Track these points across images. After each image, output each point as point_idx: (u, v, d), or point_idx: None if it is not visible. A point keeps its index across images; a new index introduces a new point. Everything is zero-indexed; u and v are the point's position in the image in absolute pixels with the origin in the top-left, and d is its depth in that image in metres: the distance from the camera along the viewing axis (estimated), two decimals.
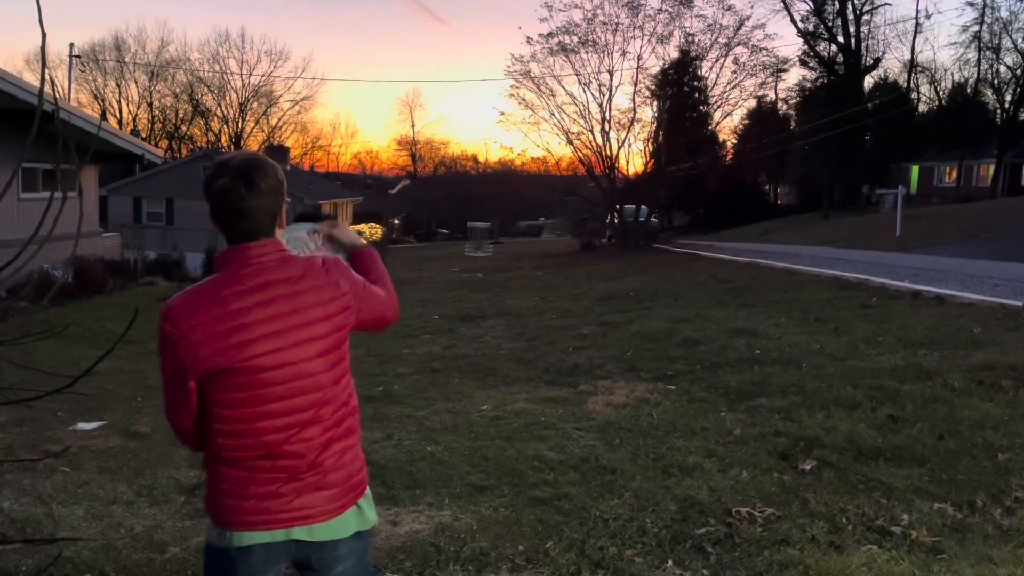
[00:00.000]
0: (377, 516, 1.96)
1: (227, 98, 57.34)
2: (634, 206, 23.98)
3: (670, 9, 22.66)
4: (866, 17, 41.72)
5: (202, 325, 1.65)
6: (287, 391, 1.70)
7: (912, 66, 44.23)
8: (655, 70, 24.61)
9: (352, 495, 1.80)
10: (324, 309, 1.74)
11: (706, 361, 6.78)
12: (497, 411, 5.68)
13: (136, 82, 55.47)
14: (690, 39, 23.59)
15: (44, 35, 2.25)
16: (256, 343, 1.67)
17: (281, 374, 1.70)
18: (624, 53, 23.27)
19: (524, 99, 23.62)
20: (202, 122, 57.58)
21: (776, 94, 43.12)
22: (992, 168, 40.58)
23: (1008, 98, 41.93)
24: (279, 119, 59.28)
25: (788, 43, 60.68)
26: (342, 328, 1.78)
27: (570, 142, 24.06)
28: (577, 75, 22.94)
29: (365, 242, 2.14)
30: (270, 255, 1.72)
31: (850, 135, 36.95)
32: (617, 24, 22.51)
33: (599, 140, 23.54)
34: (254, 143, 57.03)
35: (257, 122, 58.46)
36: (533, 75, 23.22)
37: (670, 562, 3.11)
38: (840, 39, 41.11)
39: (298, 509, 1.73)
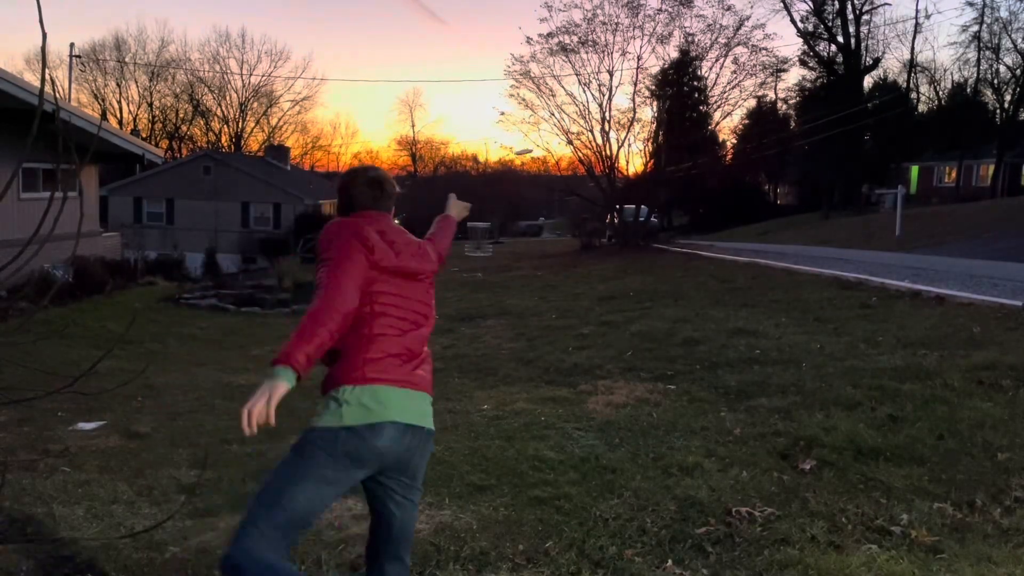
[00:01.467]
0: None
1: (227, 98, 57.41)
2: (634, 206, 23.96)
3: (670, 9, 22.65)
4: (866, 17, 41.81)
5: (373, 234, 2.32)
6: (415, 296, 2.40)
7: (912, 66, 44.30)
8: (655, 70, 24.61)
9: (431, 386, 2.42)
10: (430, 263, 2.52)
11: (706, 361, 6.79)
12: (497, 411, 5.68)
13: (136, 82, 55.54)
14: (690, 39, 23.58)
15: (44, 35, 2.25)
16: (404, 258, 2.38)
17: (415, 284, 2.42)
18: (624, 53, 23.25)
19: (524, 99, 23.61)
20: (202, 122, 57.63)
21: (776, 94, 43.21)
22: (992, 168, 40.59)
23: (1008, 98, 42.00)
24: (279, 119, 59.34)
25: (788, 43, 60.70)
26: (432, 271, 2.55)
27: (570, 142, 24.04)
28: (577, 75, 22.93)
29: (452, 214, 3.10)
30: (395, 222, 2.52)
31: (850, 135, 36.97)
32: (617, 24, 22.49)
33: (599, 140, 23.54)
34: (254, 143, 57.13)
35: (257, 122, 58.53)
36: (533, 75, 23.21)
37: (670, 562, 3.11)
38: (840, 39, 41.15)
39: (420, 377, 2.35)
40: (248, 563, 2.04)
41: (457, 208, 3.14)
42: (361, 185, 2.49)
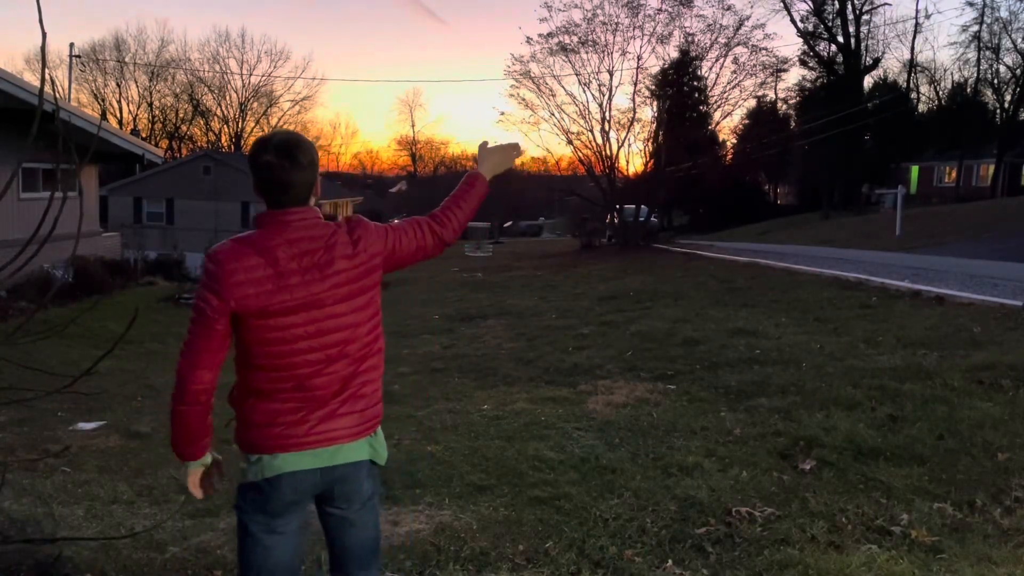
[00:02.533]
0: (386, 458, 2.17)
1: (227, 98, 57.44)
2: (634, 206, 23.97)
3: (670, 9, 22.66)
4: (866, 17, 41.78)
5: (242, 270, 1.89)
6: (316, 330, 1.95)
7: (912, 66, 44.29)
8: (655, 70, 24.62)
9: (369, 424, 2.06)
10: (349, 263, 1.98)
11: (706, 361, 6.78)
12: (497, 411, 5.68)
13: (136, 82, 55.52)
14: (690, 39, 23.59)
15: (44, 35, 2.25)
16: (287, 290, 1.91)
17: (307, 317, 1.94)
18: (624, 53, 23.25)
19: (524, 99, 23.62)
20: (202, 122, 57.65)
21: (776, 94, 43.19)
22: (992, 168, 40.58)
23: (1008, 98, 41.98)
24: (279, 119, 59.29)
25: (788, 43, 60.65)
26: (367, 277, 2.02)
27: (570, 142, 24.06)
28: (577, 75, 22.94)
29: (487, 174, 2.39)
30: (308, 219, 1.97)
31: (850, 135, 36.96)
32: (617, 24, 22.50)
33: (599, 140, 23.55)
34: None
35: (257, 122, 58.50)
36: (533, 75, 23.22)
37: (670, 562, 3.11)
38: (840, 39, 41.13)
39: (323, 432, 1.98)
40: None
41: (492, 161, 2.41)
42: (256, 172, 1.96)
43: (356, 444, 2.03)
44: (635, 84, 23.30)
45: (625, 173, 25.30)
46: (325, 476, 2.01)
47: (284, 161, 1.93)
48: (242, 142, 56.39)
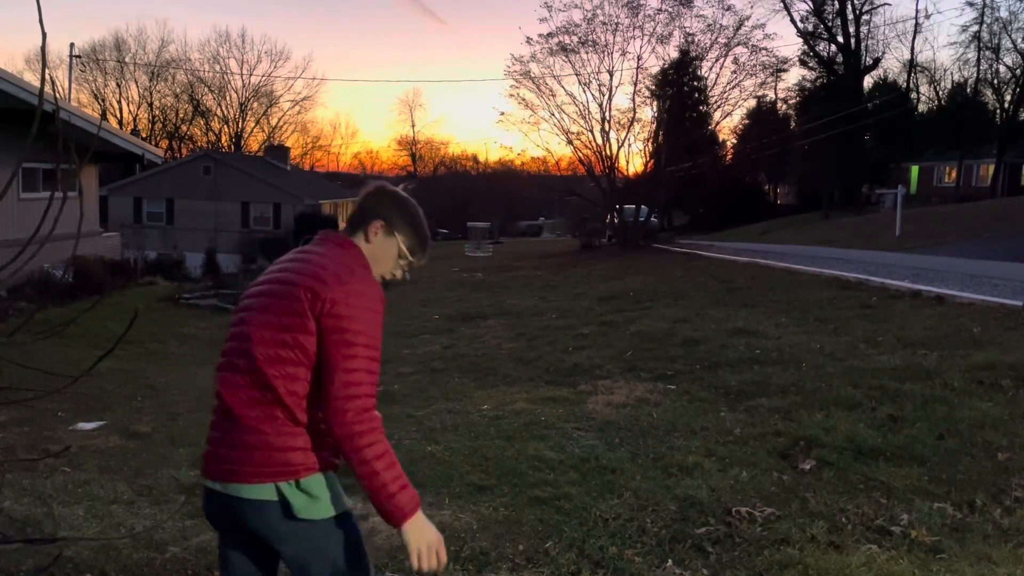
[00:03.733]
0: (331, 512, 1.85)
1: (227, 98, 57.40)
2: (634, 206, 23.97)
3: (670, 9, 22.66)
4: (866, 17, 41.80)
5: None
6: (237, 332, 1.87)
7: (912, 66, 44.30)
8: (655, 70, 24.61)
9: (273, 471, 1.77)
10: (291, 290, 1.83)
11: (706, 361, 6.78)
12: (497, 411, 5.68)
13: (136, 82, 55.53)
14: (690, 39, 23.59)
15: (44, 35, 2.25)
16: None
17: (239, 316, 1.89)
18: (624, 53, 23.25)
19: (524, 99, 23.62)
20: (202, 122, 57.62)
21: (776, 94, 43.21)
22: (992, 168, 40.59)
23: (1008, 98, 41.98)
24: (279, 119, 59.33)
25: (788, 43, 60.69)
26: (292, 316, 1.80)
27: (570, 142, 24.06)
28: (577, 75, 22.94)
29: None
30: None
31: (850, 135, 36.96)
32: (617, 24, 22.50)
33: (599, 140, 23.55)
34: (254, 143, 57.09)
35: (257, 122, 58.52)
36: (533, 75, 23.22)
37: (670, 562, 3.11)
38: (840, 39, 41.14)
39: (216, 460, 1.82)
40: None
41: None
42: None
43: (252, 487, 1.77)
44: (635, 84, 23.32)
45: (625, 173, 25.32)
46: (236, 505, 1.80)
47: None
48: (242, 142, 56.41)
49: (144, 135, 50.74)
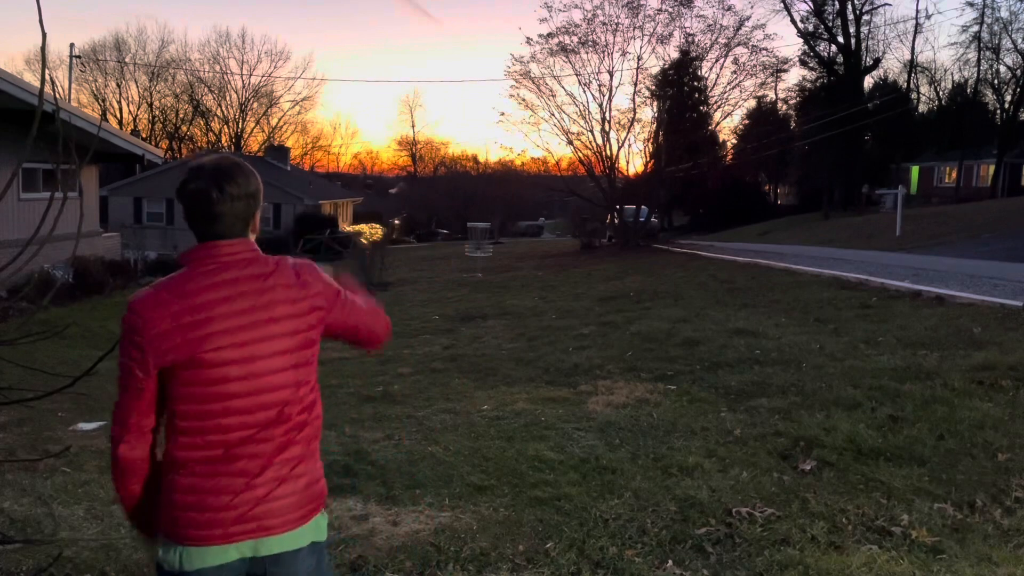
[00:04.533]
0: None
1: (227, 98, 57.44)
2: (634, 206, 23.98)
3: (670, 9, 22.68)
4: (866, 17, 41.80)
5: (165, 317, 1.63)
6: (250, 388, 1.66)
7: (912, 66, 44.31)
8: (655, 70, 24.65)
9: (312, 505, 1.74)
10: (292, 308, 1.71)
11: (706, 361, 6.78)
12: (497, 411, 5.68)
13: (136, 82, 55.56)
14: (690, 39, 23.61)
15: (44, 35, 2.25)
16: (218, 336, 1.64)
17: (243, 370, 1.66)
18: (624, 53, 23.28)
19: (524, 99, 23.66)
20: (202, 122, 57.66)
21: (776, 94, 43.22)
22: (992, 168, 40.60)
23: (1008, 98, 41.99)
24: (279, 119, 59.37)
25: (788, 43, 60.78)
26: (310, 329, 1.74)
27: (570, 142, 24.08)
28: (577, 75, 22.96)
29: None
30: (240, 253, 1.71)
31: (850, 135, 36.97)
32: (617, 24, 22.53)
33: (599, 140, 23.57)
34: (255, 143, 57.12)
35: (257, 122, 58.55)
36: (533, 75, 23.26)
37: (670, 562, 3.11)
38: (840, 39, 41.13)
39: (255, 519, 1.66)
40: None
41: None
42: (183, 200, 1.72)
43: (295, 532, 1.70)
44: (635, 84, 23.34)
45: (625, 173, 25.34)
46: (256, 564, 1.69)
47: (213, 190, 1.67)
48: (242, 142, 56.41)
49: (144, 135, 50.78)
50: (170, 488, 1.67)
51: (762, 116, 40.55)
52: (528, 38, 23.58)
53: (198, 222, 1.70)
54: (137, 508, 1.76)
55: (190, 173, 1.71)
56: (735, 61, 23.34)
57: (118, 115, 54.19)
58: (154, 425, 1.70)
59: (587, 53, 22.64)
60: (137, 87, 55.63)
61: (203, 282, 1.66)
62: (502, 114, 25.35)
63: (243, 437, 1.66)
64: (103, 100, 54.38)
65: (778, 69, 27.51)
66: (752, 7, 45.63)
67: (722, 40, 23.09)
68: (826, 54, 41.99)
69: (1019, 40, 41.23)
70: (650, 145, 24.46)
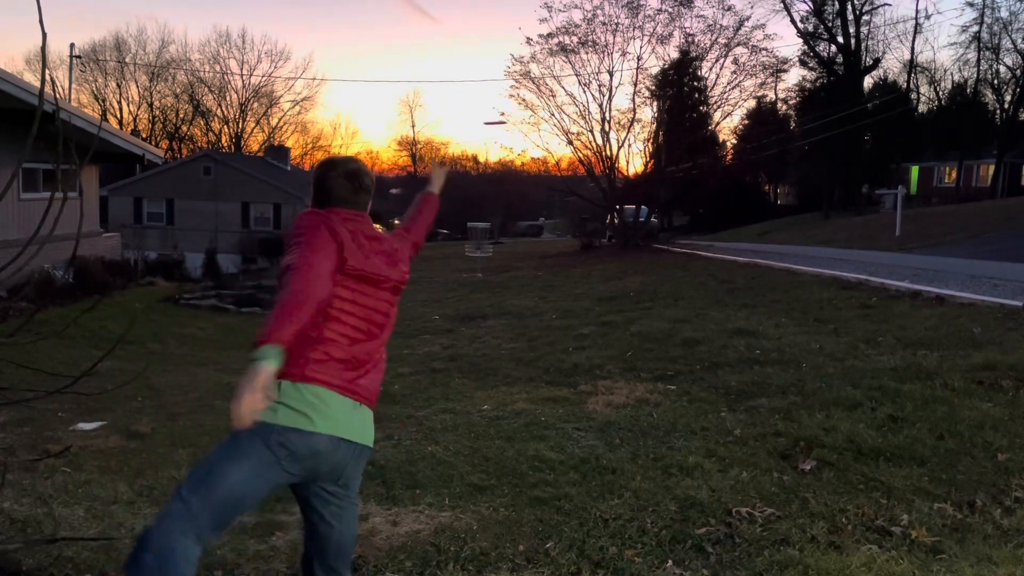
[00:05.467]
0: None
1: (227, 98, 57.41)
2: (634, 206, 23.99)
3: (670, 9, 22.70)
4: (866, 18, 41.81)
5: (341, 222, 2.23)
6: (376, 304, 2.27)
7: (912, 66, 44.28)
8: (655, 70, 24.65)
9: (375, 397, 2.31)
10: (405, 267, 2.43)
11: (706, 361, 6.79)
12: (497, 411, 5.68)
13: (136, 82, 55.55)
14: (690, 39, 23.62)
15: (44, 35, 2.25)
16: (367, 263, 2.25)
17: (380, 290, 2.29)
18: (624, 53, 23.32)
19: (524, 99, 23.67)
20: (202, 122, 57.64)
21: (776, 94, 43.20)
22: (992, 168, 40.61)
23: (1008, 98, 41.99)
24: (280, 119, 59.33)
25: (788, 43, 60.83)
26: (401, 281, 2.39)
27: (570, 142, 24.09)
28: (577, 75, 22.97)
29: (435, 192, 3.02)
30: (372, 223, 2.38)
31: (850, 135, 36.98)
32: (617, 24, 22.54)
33: (599, 140, 23.58)
34: (254, 143, 57.10)
35: (257, 122, 58.52)
36: (533, 76, 23.27)
37: (670, 562, 3.11)
38: (840, 39, 41.14)
39: (363, 387, 2.21)
40: (158, 542, 1.98)
41: (439, 181, 3.05)
42: (338, 177, 2.34)
43: (369, 422, 2.26)
44: (635, 84, 23.36)
45: (625, 173, 25.36)
46: (346, 452, 2.18)
47: (355, 184, 2.35)
48: (242, 142, 56.41)
49: (144, 135, 50.78)
50: (311, 350, 2.13)
51: (762, 116, 40.55)
52: (528, 38, 23.65)
53: (348, 194, 2.35)
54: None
55: (335, 165, 2.39)
56: (735, 61, 23.38)
57: (118, 115, 54.23)
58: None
59: (587, 53, 22.67)
60: (137, 87, 55.68)
61: (353, 224, 2.29)
62: (502, 114, 25.38)
63: (361, 336, 2.24)
64: (103, 100, 54.42)
65: (778, 69, 27.51)
66: (752, 7, 45.52)
67: (722, 40, 23.13)
68: (826, 54, 42.00)
69: (1019, 40, 41.27)
70: (650, 145, 24.50)
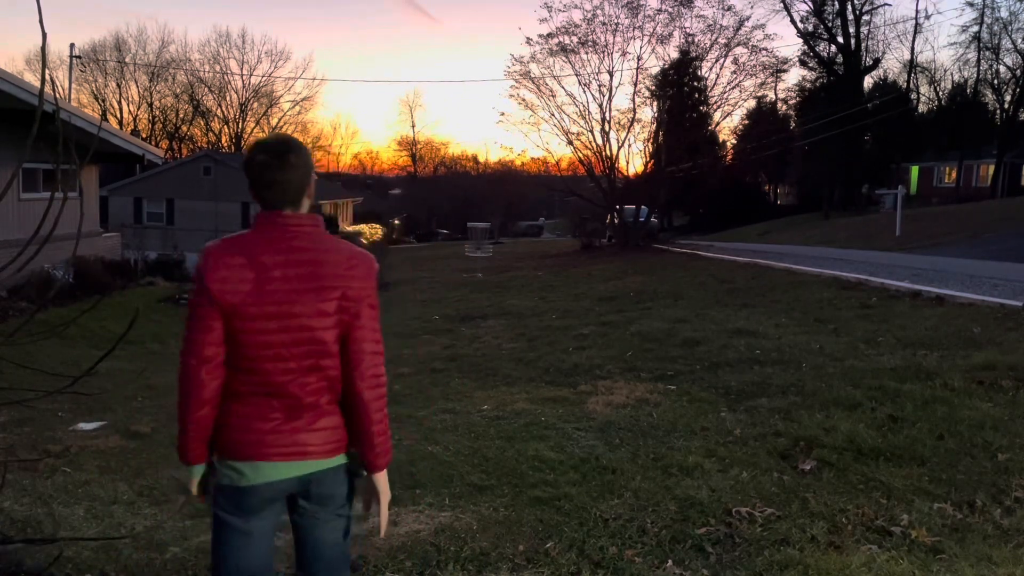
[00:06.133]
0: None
1: (227, 98, 57.44)
2: (634, 206, 23.97)
3: (670, 9, 22.67)
4: (866, 17, 41.84)
5: (228, 267, 1.91)
6: (293, 340, 1.93)
7: (912, 66, 44.30)
8: (655, 70, 24.65)
9: (339, 446, 2.02)
10: (339, 282, 1.96)
11: (706, 361, 6.78)
12: (497, 411, 5.68)
13: (136, 82, 55.56)
14: (690, 39, 23.60)
15: (44, 35, 2.25)
16: (274, 294, 1.91)
17: (290, 324, 1.92)
18: (624, 53, 23.29)
19: (524, 100, 23.64)
20: (202, 122, 57.66)
21: (776, 94, 43.27)
22: (992, 168, 40.59)
23: (1008, 98, 41.99)
24: (279, 119, 59.29)
25: (788, 43, 60.81)
26: (344, 311, 1.97)
27: (570, 142, 24.08)
28: (577, 75, 22.95)
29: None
30: (303, 227, 1.97)
31: (850, 135, 37.00)
32: (617, 24, 22.52)
33: (599, 140, 23.56)
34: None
35: (257, 122, 58.49)
36: (533, 76, 23.24)
37: (670, 562, 3.11)
38: (840, 39, 41.16)
39: (297, 445, 1.96)
40: None
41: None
42: (248, 171, 1.98)
43: (331, 460, 2.02)
44: (635, 84, 23.34)
45: (625, 173, 25.34)
46: (300, 483, 2.01)
47: (274, 160, 1.95)
48: (242, 142, 56.38)
49: (144, 135, 50.79)
50: (226, 415, 1.97)
51: (762, 116, 40.61)
52: (528, 38, 23.60)
53: (260, 190, 1.97)
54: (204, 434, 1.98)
55: (253, 147, 2.00)
56: (735, 61, 23.36)
57: (118, 115, 54.22)
58: (222, 357, 1.94)
59: (587, 53, 22.65)
60: (137, 87, 55.68)
61: (264, 246, 1.95)
62: (502, 114, 25.42)
63: (285, 381, 1.94)
64: (103, 100, 54.42)
65: (778, 69, 27.55)
66: (752, 7, 45.52)
67: (722, 40, 23.11)
68: (826, 54, 42.02)
69: (1019, 40, 41.26)
70: (650, 145, 24.48)
